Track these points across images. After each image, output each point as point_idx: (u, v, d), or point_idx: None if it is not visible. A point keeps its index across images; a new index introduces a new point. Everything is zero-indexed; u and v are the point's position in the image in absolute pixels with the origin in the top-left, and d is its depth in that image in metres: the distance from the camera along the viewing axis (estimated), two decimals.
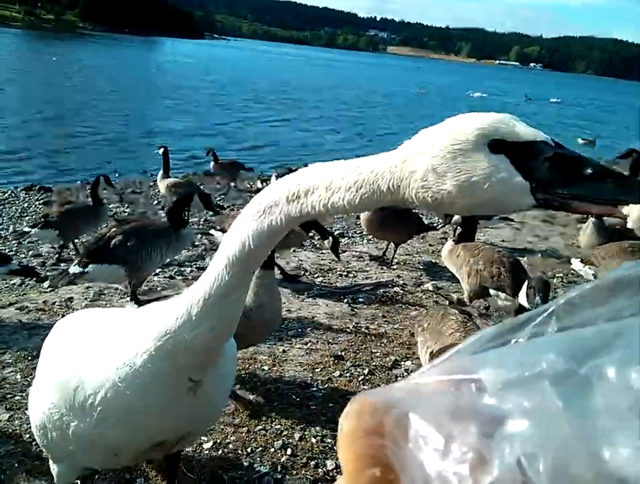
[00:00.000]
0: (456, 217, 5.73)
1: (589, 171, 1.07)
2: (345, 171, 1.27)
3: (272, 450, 3.07)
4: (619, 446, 0.49)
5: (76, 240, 8.01)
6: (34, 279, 5.65)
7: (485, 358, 0.60)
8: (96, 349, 1.81)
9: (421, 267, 6.74)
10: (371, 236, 7.68)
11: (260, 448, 3.08)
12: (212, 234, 6.21)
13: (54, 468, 2.17)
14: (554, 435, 0.51)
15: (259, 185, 11.85)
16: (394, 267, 6.67)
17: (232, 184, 12.71)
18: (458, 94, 49.81)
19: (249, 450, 3.06)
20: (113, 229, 5.18)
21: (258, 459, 3.00)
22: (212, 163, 12.56)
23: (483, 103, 43.87)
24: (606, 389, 0.52)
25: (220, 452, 3.02)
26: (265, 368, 3.99)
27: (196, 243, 7.71)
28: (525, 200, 1.15)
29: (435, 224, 8.90)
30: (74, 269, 4.97)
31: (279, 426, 3.30)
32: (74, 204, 8.18)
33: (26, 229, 7.67)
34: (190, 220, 9.61)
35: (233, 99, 30.90)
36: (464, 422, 0.55)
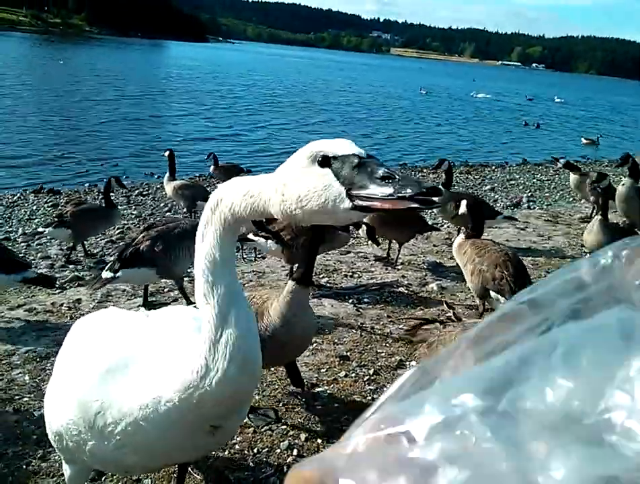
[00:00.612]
0: (462, 209, 5.73)
1: (380, 173, 1.31)
2: (242, 189, 1.57)
3: (278, 450, 3.09)
4: (553, 470, 0.48)
5: (85, 242, 8.09)
6: (49, 287, 5.63)
7: (409, 406, 0.59)
8: (119, 375, 1.79)
9: (425, 267, 6.75)
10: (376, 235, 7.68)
11: (266, 449, 3.11)
12: (253, 240, 5.90)
13: (66, 468, 2.19)
14: (487, 476, 0.50)
15: None
16: (399, 267, 6.69)
17: None
18: (462, 95, 49.74)
19: (255, 450, 3.08)
20: (142, 234, 5.28)
21: (264, 460, 3.02)
22: (212, 167, 12.59)
23: (487, 103, 43.78)
24: (528, 416, 0.52)
25: (226, 452, 3.05)
26: (272, 368, 4.01)
27: None
28: (344, 204, 1.38)
29: (439, 225, 8.91)
30: (106, 274, 5.09)
31: (285, 426, 3.32)
32: (88, 205, 8.30)
33: (40, 229, 7.79)
34: None
35: (241, 101, 30.96)
36: (395, 480, 0.54)
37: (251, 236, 5.76)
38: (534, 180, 15.75)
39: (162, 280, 5.63)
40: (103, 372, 1.81)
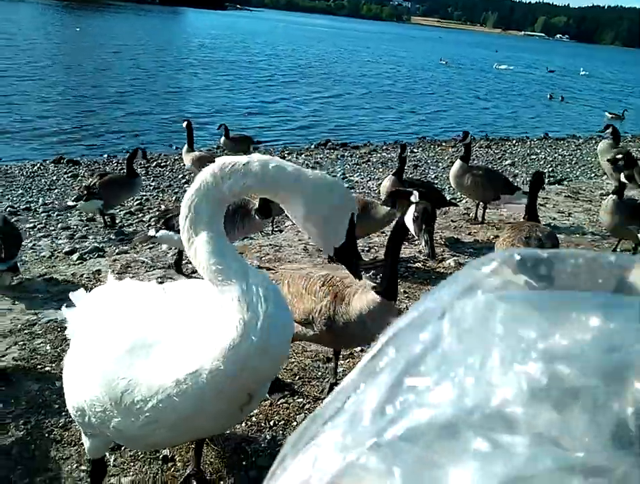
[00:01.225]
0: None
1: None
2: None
3: (294, 423, 3.14)
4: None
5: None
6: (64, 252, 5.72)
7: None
8: (146, 352, 1.78)
9: (442, 242, 6.72)
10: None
11: (283, 421, 3.15)
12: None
13: (85, 440, 2.22)
14: None
15: None
16: (415, 242, 6.66)
17: None
18: (484, 66, 48.83)
19: (271, 423, 3.13)
20: None
21: (280, 432, 3.06)
22: (222, 138, 12.54)
23: (509, 76, 42.95)
24: (416, 436, 0.52)
25: (243, 424, 3.10)
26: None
27: None
28: (333, 240, 1.93)
29: (457, 200, 8.83)
30: (151, 232, 5.40)
31: (301, 400, 3.36)
32: (113, 175, 8.40)
33: (70, 203, 7.91)
34: None
35: (264, 72, 30.59)
36: None
37: (152, 232, 5.51)
38: (556, 155, 15.51)
39: None
40: (129, 349, 1.80)
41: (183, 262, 5.54)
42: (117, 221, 8.40)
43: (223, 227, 1.82)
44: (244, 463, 2.82)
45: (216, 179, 1.76)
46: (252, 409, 2.06)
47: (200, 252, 1.76)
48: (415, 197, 5.44)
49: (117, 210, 8.93)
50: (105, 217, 8.11)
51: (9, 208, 8.76)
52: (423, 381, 0.54)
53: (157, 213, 8.42)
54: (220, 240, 1.78)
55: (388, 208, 5.58)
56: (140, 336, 1.82)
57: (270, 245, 6.26)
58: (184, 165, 10.46)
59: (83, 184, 8.38)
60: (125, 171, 8.30)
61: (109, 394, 1.81)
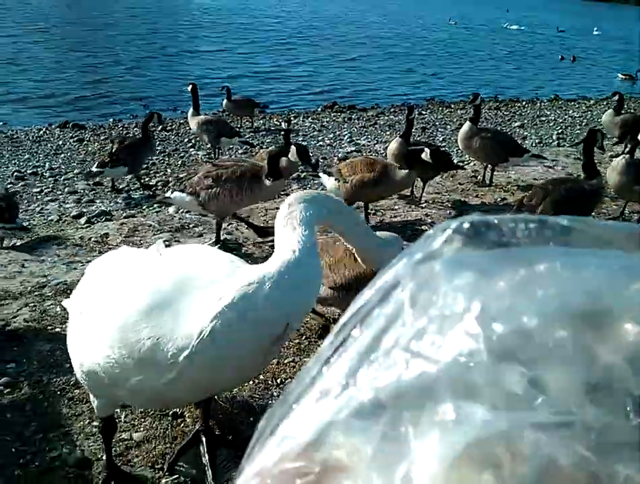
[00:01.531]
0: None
1: None
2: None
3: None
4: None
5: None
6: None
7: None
8: (170, 308, 1.79)
9: (450, 205, 6.69)
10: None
11: (289, 380, 3.20)
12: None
13: (94, 400, 2.26)
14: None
15: (283, 125, 11.68)
16: (423, 205, 6.65)
17: (249, 121, 12.58)
18: (494, 26, 47.78)
19: (278, 380, 3.19)
20: (207, 168, 5.36)
21: None
22: (224, 100, 12.36)
23: (520, 35, 42.06)
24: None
25: (250, 382, 3.15)
26: None
27: None
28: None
29: (465, 163, 8.77)
30: (168, 194, 5.44)
31: (307, 359, 3.41)
32: (132, 139, 8.49)
33: (94, 169, 7.87)
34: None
35: (276, 35, 30.03)
36: None
37: (168, 194, 5.49)
38: (566, 116, 15.29)
39: (205, 214, 5.67)
40: (152, 309, 1.81)
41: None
42: (122, 186, 8.41)
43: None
44: (251, 419, 2.88)
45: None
46: (276, 351, 2.11)
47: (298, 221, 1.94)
48: (426, 154, 5.50)
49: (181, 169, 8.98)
50: (141, 180, 8.29)
51: (15, 173, 8.78)
52: (388, 354, 0.54)
53: (164, 177, 8.45)
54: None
55: (406, 171, 5.59)
56: (158, 296, 1.83)
57: (276, 208, 6.25)
58: (190, 128, 10.39)
59: (103, 151, 8.38)
60: (140, 134, 8.45)
61: (132, 355, 1.81)
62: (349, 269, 3.40)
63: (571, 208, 5.02)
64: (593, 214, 5.99)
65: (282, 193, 7.51)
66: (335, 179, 5.76)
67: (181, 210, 6.30)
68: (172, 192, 5.37)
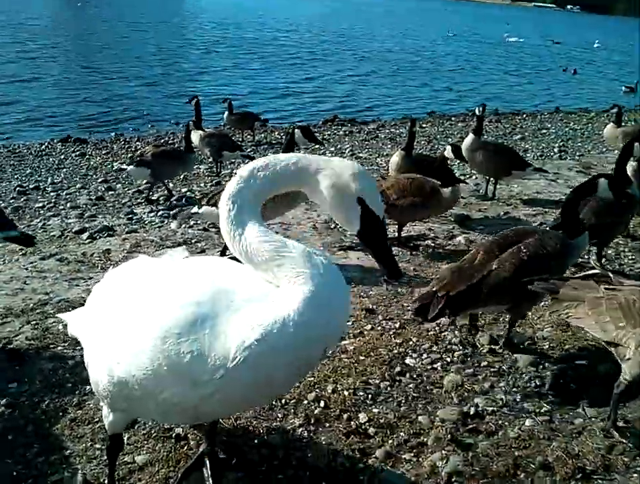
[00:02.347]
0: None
1: (383, 239, 2.04)
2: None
3: (305, 402, 3.15)
4: None
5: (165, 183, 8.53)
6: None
7: None
8: (210, 322, 1.77)
9: (452, 219, 6.67)
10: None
11: (294, 400, 3.17)
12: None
13: (108, 416, 2.22)
14: None
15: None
16: (426, 220, 6.62)
17: (249, 135, 12.60)
18: (494, 38, 48.03)
19: (283, 401, 3.15)
20: None
21: (292, 411, 3.08)
22: (225, 113, 12.39)
23: (520, 48, 42.25)
24: None
25: None
26: None
27: None
28: (352, 231, 2.04)
29: (466, 177, 8.75)
30: (194, 209, 5.53)
31: (312, 378, 3.37)
32: (168, 147, 8.61)
33: (123, 166, 8.34)
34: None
35: (285, 50, 30.14)
36: None
37: (195, 209, 5.55)
38: (567, 129, 15.32)
39: None
40: (192, 322, 1.78)
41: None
42: (125, 200, 8.39)
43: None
44: (255, 441, 2.84)
45: (247, 181, 1.94)
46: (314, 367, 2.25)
47: (251, 236, 1.87)
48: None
49: (127, 189, 8.92)
50: (153, 189, 8.38)
51: (18, 187, 8.79)
52: None
53: (166, 192, 8.45)
54: (264, 227, 1.93)
55: (450, 188, 5.58)
56: (197, 309, 1.81)
57: (279, 223, 6.24)
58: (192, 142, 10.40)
59: (105, 165, 8.40)
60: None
61: (171, 368, 1.79)
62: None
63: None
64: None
65: None
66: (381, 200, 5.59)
67: (184, 226, 6.30)
68: (200, 207, 5.44)
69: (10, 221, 5.11)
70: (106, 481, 2.49)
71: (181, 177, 9.65)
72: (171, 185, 8.98)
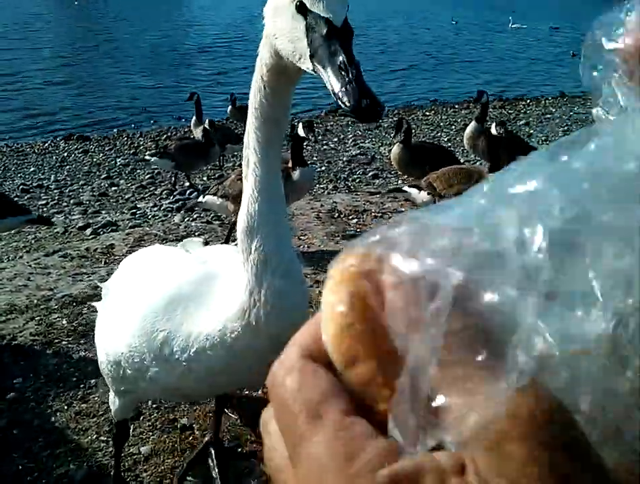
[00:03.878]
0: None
1: (338, 61, 1.28)
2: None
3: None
4: None
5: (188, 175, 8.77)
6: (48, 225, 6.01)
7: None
8: (181, 305, 1.80)
9: None
10: (405, 176, 7.60)
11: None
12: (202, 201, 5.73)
13: (114, 401, 2.25)
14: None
15: (301, 131, 11.61)
16: None
17: None
18: (497, 25, 47.67)
19: None
20: (238, 172, 5.41)
21: None
22: (229, 108, 12.32)
23: (524, 33, 41.94)
24: None
25: (260, 391, 3.10)
26: None
27: None
28: (307, 65, 1.37)
29: (472, 163, 8.70)
30: (200, 198, 5.60)
31: None
32: (190, 140, 8.90)
33: (147, 157, 8.72)
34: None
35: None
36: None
37: (200, 198, 5.57)
38: (571, 113, 15.19)
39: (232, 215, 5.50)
40: (168, 302, 1.83)
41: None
42: (128, 196, 8.39)
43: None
44: (261, 430, 2.82)
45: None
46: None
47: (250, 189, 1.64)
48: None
49: (130, 184, 8.92)
50: (175, 178, 8.64)
51: (21, 186, 8.80)
52: None
53: (169, 186, 8.46)
54: (275, 183, 1.66)
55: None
56: (177, 291, 1.85)
57: None
58: (194, 137, 10.39)
59: (109, 161, 8.42)
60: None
61: (148, 346, 1.84)
62: None
63: None
64: None
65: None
66: (428, 194, 5.53)
67: (187, 219, 6.29)
68: (203, 196, 5.48)
69: (25, 207, 5.75)
70: (112, 471, 2.49)
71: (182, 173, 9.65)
72: (173, 179, 8.97)
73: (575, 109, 15.89)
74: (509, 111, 15.36)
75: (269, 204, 1.62)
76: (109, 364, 2.05)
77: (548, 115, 14.92)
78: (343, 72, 1.25)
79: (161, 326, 1.81)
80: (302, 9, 1.35)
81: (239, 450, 2.71)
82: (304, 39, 1.35)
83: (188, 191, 8.14)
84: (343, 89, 1.24)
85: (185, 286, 1.86)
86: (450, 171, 5.59)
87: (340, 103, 1.25)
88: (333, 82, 1.26)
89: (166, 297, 1.85)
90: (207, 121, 9.18)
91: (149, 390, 2.05)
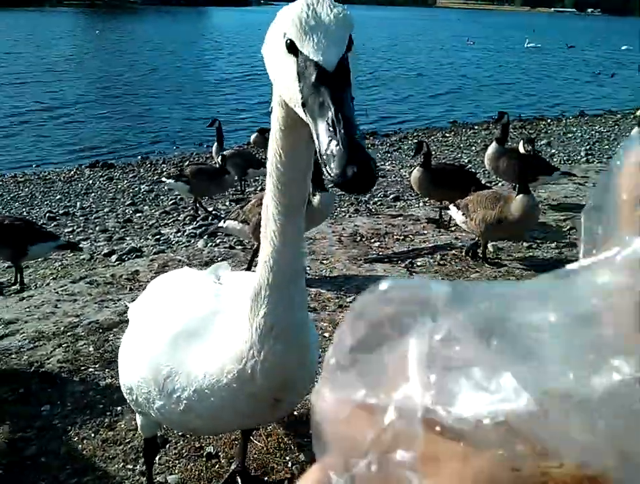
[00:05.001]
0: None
1: (327, 116, 1.06)
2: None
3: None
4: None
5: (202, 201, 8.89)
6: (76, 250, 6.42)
7: None
8: (189, 342, 1.79)
9: None
10: (427, 199, 7.59)
11: None
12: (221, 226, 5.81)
13: (138, 417, 2.29)
14: None
15: None
16: (452, 229, 6.55)
17: None
18: (514, 45, 47.72)
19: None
20: (259, 196, 5.54)
21: None
22: (254, 134, 12.43)
23: (540, 53, 41.89)
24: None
25: (286, 419, 3.09)
26: (326, 335, 4.02)
27: None
28: (299, 110, 1.16)
29: (493, 184, 8.66)
30: (220, 223, 5.68)
31: None
32: (206, 166, 9.15)
33: (163, 179, 9.07)
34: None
35: None
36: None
37: (221, 224, 5.62)
38: (593, 132, 15.09)
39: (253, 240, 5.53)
40: (175, 336, 1.83)
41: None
42: (152, 222, 8.49)
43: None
44: (287, 458, 2.81)
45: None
46: (291, 406, 2.04)
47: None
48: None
49: (154, 211, 9.03)
50: (197, 204, 8.77)
51: (47, 213, 8.96)
52: None
53: (191, 211, 8.54)
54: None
55: (520, 196, 5.20)
56: (186, 326, 1.85)
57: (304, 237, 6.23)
58: (215, 163, 10.51)
59: (132, 188, 8.54)
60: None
61: (154, 379, 1.83)
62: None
63: None
64: None
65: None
66: (462, 214, 5.54)
67: (210, 245, 6.34)
68: (224, 221, 5.54)
69: (54, 233, 6.40)
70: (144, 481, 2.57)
71: (205, 198, 9.75)
72: (210, 208, 9.04)
73: (597, 128, 15.77)
74: (530, 131, 15.30)
75: (283, 276, 1.52)
76: (125, 387, 2.08)
77: (570, 135, 14.83)
78: (331, 130, 1.05)
79: (166, 361, 1.80)
80: (293, 49, 1.16)
81: (266, 478, 2.69)
82: (295, 84, 1.15)
83: (210, 217, 8.22)
84: (328, 151, 1.03)
85: (194, 320, 1.85)
86: (483, 194, 5.63)
87: (322, 168, 1.04)
88: (320, 141, 1.06)
89: (174, 331, 1.85)
90: (223, 153, 9.22)
91: (160, 420, 2.05)
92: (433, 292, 0.44)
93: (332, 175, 1.02)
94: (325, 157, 1.04)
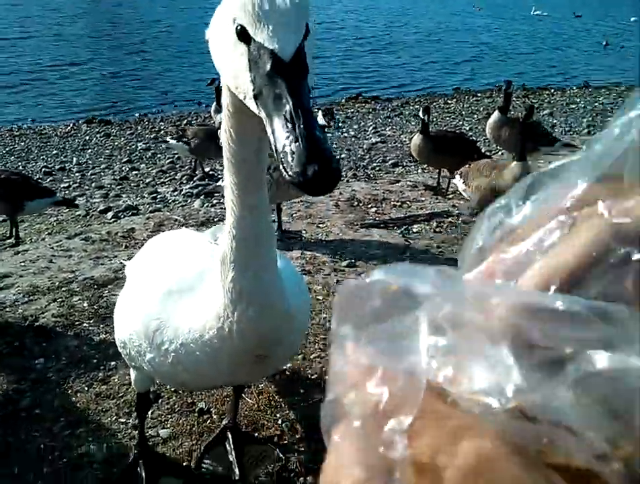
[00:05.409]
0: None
1: (285, 110, 0.99)
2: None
3: (327, 378, 3.15)
4: None
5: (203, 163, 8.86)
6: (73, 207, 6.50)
7: None
8: (178, 297, 1.82)
9: None
10: (426, 165, 7.55)
11: (315, 375, 3.17)
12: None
13: (131, 372, 2.33)
14: None
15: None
16: (450, 196, 6.54)
17: None
18: (520, 12, 46.82)
19: (304, 376, 3.16)
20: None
21: (314, 385, 3.09)
22: None
23: (547, 21, 41.17)
24: None
25: (277, 377, 3.13)
26: (320, 297, 4.05)
27: None
28: (250, 102, 1.09)
29: (492, 153, 8.62)
30: (219, 182, 5.68)
31: None
32: (209, 127, 8.96)
33: (167, 139, 8.93)
34: None
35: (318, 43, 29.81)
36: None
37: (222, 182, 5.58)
38: (596, 104, 14.94)
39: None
40: (167, 292, 1.85)
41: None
42: (149, 180, 8.45)
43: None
44: (277, 416, 2.85)
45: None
46: (278, 363, 2.05)
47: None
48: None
49: (150, 169, 8.97)
50: (196, 163, 8.75)
51: (43, 168, 8.89)
52: None
53: (188, 171, 8.50)
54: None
55: (516, 163, 5.36)
56: (178, 282, 1.87)
57: (301, 201, 6.22)
58: (214, 122, 10.41)
59: (130, 145, 8.48)
60: None
61: (144, 332, 1.86)
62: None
63: None
64: None
65: None
66: (463, 182, 5.66)
67: (206, 205, 6.32)
68: (222, 181, 5.48)
69: (51, 189, 6.34)
70: (137, 440, 2.62)
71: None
72: (207, 168, 8.99)
73: (600, 99, 15.61)
74: (533, 101, 15.13)
75: (246, 243, 1.51)
76: (119, 341, 2.12)
77: (573, 105, 14.69)
78: (289, 125, 0.98)
79: (156, 314, 1.83)
80: (244, 36, 1.08)
81: (256, 435, 2.74)
82: (246, 74, 1.08)
83: (207, 178, 8.19)
84: (287, 149, 0.97)
85: (186, 277, 1.88)
86: (482, 163, 5.72)
87: (281, 167, 0.98)
88: (276, 137, 0.99)
89: (166, 287, 1.87)
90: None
91: (151, 373, 2.07)
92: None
93: (291, 173, 0.96)
94: (282, 155, 0.98)
